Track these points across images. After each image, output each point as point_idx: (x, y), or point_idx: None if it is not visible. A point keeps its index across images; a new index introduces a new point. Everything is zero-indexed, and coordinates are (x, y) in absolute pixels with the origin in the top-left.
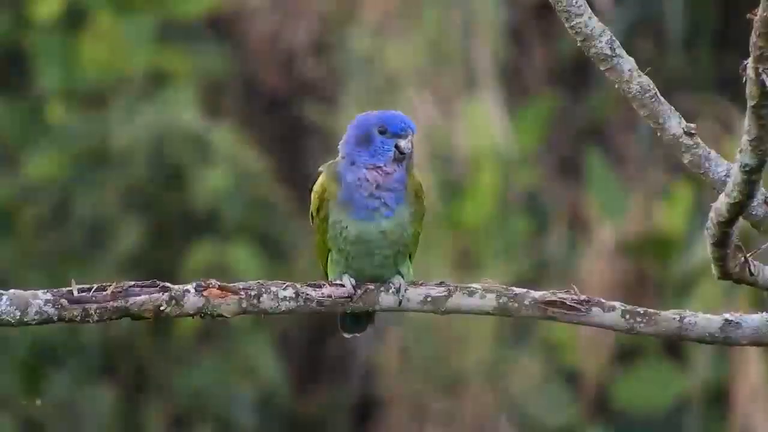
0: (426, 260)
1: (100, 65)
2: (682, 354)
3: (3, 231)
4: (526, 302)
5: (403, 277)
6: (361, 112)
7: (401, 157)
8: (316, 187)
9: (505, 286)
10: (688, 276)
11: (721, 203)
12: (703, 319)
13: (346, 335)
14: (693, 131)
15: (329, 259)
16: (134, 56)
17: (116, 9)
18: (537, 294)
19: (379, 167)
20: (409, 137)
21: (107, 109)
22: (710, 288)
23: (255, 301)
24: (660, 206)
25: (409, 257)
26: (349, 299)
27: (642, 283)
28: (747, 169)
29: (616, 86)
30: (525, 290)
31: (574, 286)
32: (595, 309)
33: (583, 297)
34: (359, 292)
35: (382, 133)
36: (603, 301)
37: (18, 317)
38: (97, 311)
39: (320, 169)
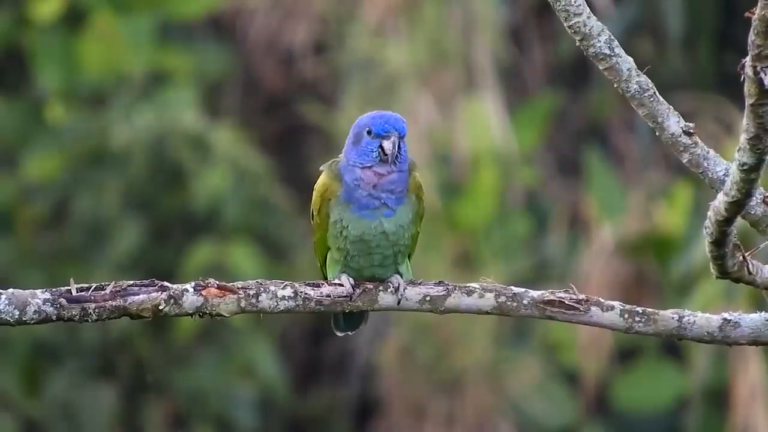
0: (426, 260)
1: (100, 65)
2: (682, 354)
3: (3, 231)
4: (525, 302)
5: (402, 276)
6: (361, 112)
7: (385, 158)
8: (318, 185)
9: (503, 285)
10: (688, 276)
11: (720, 202)
12: (702, 318)
13: (338, 334)
14: (691, 130)
15: (328, 258)
16: (134, 56)
17: (116, 9)
18: (536, 293)
19: (369, 167)
20: (392, 138)
21: (107, 109)
22: (709, 287)
23: (254, 301)
24: (660, 206)
25: (408, 257)
26: (348, 298)
27: (641, 283)
28: (745, 167)
29: (615, 86)
30: (524, 289)
31: (572, 286)
32: (593, 308)
33: (581, 296)
34: (358, 291)
35: (369, 133)
36: (602, 300)
37: (17, 316)
38: (96, 310)
39: (321, 168)
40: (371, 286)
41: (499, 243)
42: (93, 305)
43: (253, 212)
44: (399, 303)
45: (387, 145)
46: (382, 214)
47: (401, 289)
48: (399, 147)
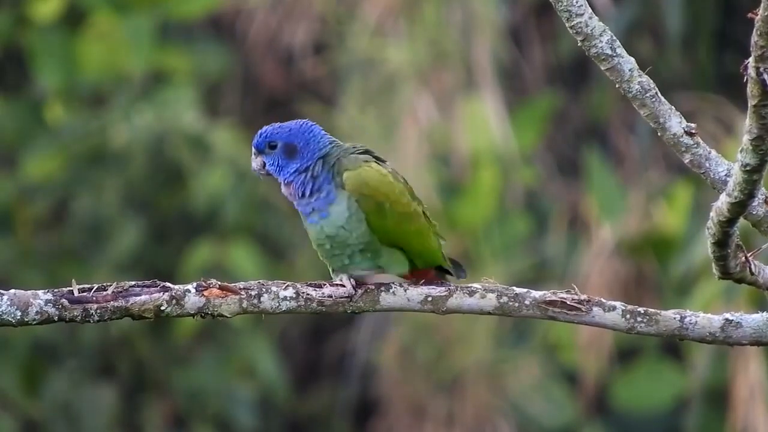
0: None
1: (100, 65)
2: (682, 354)
3: (3, 231)
4: (527, 302)
5: (384, 270)
6: (360, 111)
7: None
8: None
9: (505, 286)
10: (688, 276)
11: (722, 203)
12: (703, 318)
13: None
14: (693, 131)
15: None
16: (134, 56)
17: (116, 9)
18: (537, 294)
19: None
20: (252, 156)
21: (107, 109)
22: (709, 288)
23: (255, 301)
24: (660, 206)
25: (404, 250)
26: (349, 299)
27: (641, 283)
28: (748, 168)
29: (617, 86)
30: (525, 290)
31: (574, 286)
32: (595, 309)
33: (583, 297)
34: (360, 291)
35: None
36: (603, 300)
37: (19, 317)
38: (98, 311)
39: None
40: (372, 287)
41: (498, 243)
42: (95, 306)
43: (252, 212)
44: (352, 298)
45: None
46: (319, 217)
47: (348, 284)
48: (269, 159)
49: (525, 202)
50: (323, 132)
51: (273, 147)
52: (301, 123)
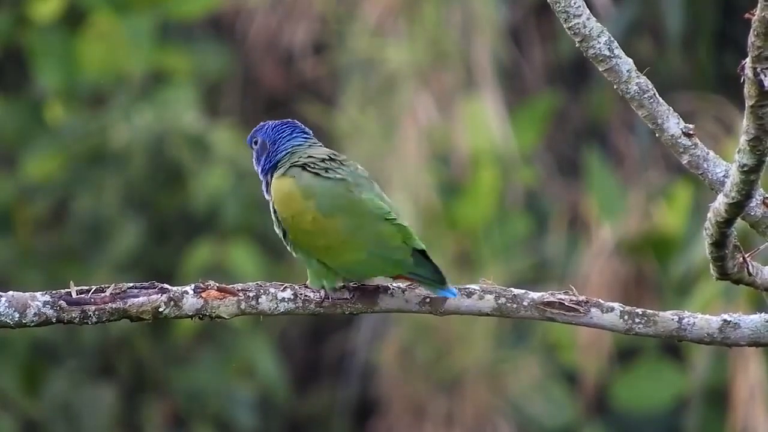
0: None
1: (100, 65)
2: (682, 354)
3: (3, 231)
4: (525, 303)
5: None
6: (360, 111)
7: None
8: None
9: (503, 287)
10: (688, 276)
11: (720, 203)
12: (701, 319)
13: None
14: (691, 132)
15: None
16: (134, 56)
17: (116, 9)
18: (535, 295)
19: None
20: None
21: (107, 109)
22: (709, 288)
23: (253, 303)
24: (660, 206)
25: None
26: (347, 300)
27: (641, 283)
28: (745, 169)
29: (615, 87)
30: (524, 291)
31: (572, 287)
32: (593, 310)
33: (581, 298)
34: (358, 293)
35: None
36: (602, 301)
37: (17, 319)
38: (96, 313)
39: None
40: (371, 288)
41: (498, 243)
42: (93, 308)
43: (252, 212)
44: (324, 299)
45: None
46: None
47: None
48: (253, 155)
49: (525, 202)
50: (297, 134)
51: (256, 143)
52: (279, 123)
